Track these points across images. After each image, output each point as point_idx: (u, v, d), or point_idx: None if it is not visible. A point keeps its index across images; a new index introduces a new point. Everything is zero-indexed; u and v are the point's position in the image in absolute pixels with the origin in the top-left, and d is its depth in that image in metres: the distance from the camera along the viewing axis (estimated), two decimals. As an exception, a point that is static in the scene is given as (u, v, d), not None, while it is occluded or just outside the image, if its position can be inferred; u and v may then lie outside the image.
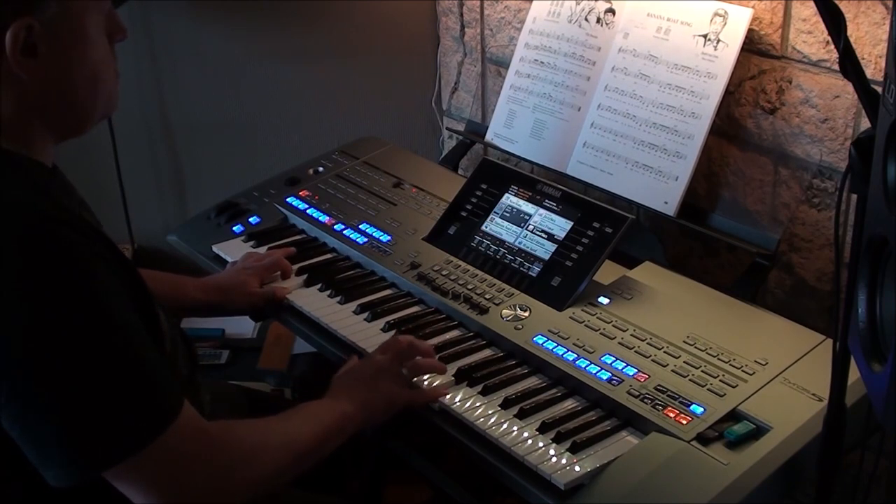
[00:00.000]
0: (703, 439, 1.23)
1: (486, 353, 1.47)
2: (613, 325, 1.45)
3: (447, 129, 2.44)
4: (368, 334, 1.52)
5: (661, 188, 1.68)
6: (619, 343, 1.42)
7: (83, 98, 1.15)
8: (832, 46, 1.31)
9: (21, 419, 1.02)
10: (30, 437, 1.03)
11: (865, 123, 1.27)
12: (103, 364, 1.03)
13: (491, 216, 1.68)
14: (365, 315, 1.57)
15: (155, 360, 1.08)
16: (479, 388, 1.37)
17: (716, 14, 1.65)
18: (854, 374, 1.10)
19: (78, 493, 1.07)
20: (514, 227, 1.64)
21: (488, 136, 1.99)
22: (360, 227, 1.80)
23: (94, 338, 1.03)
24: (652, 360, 1.37)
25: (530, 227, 1.63)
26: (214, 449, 1.11)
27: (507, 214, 1.67)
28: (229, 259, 1.76)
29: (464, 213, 1.72)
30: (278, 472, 1.18)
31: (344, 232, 1.79)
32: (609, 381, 1.35)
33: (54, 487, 1.04)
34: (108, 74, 1.17)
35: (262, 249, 1.78)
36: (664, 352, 1.39)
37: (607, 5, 1.81)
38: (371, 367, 1.37)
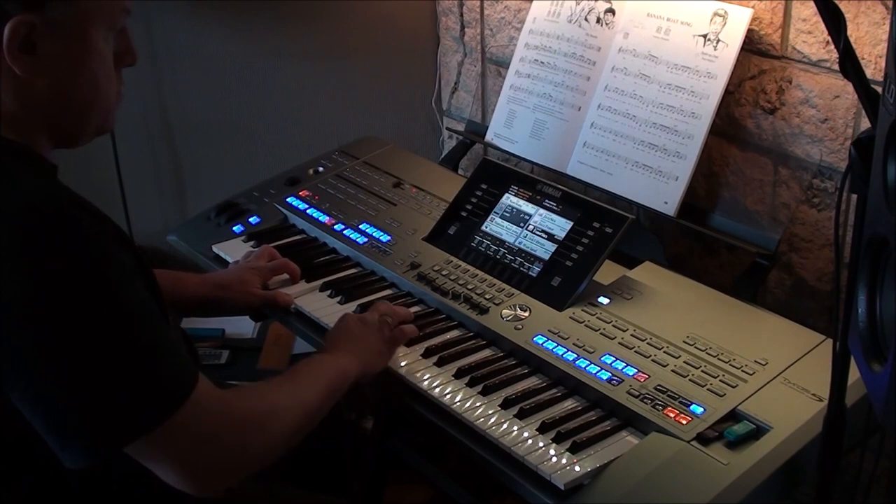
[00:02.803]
0: (703, 439, 1.23)
1: (486, 353, 1.47)
2: (613, 325, 1.45)
3: (447, 129, 2.44)
4: (368, 334, 1.52)
5: (661, 188, 1.68)
6: (619, 343, 1.42)
7: (78, 106, 1.14)
8: (832, 46, 1.31)
9: (38, 398, 1.03)
10: (47, 417, 1.04)
11: (865, 123, 1.27)
12: (119, 341, 1.04)
13: (491, 216, 1.68)
14: (365, 315, 1.57)
15: (169, 336, 1.09)
16: (479, 388, 1.37)
17: (716, 14, 1.65)
18: (854, 374, 1.10)
19: (85, 486, 1.08)
20: (514, 227, 1.64)
21: (488, 136, 1.99)
22: (360, 227, 1.80)
23: (108, 314, 1.03)
24: (652, 360, 1.37)
25: (530, 227, 1.63)
26: (234, 414, 1.13)
27: (507, 214, 1.67)
28: (229, 259, 1.76)
29: (464, 213, 1.72)
30: (293, 432, 1.21)
31: (344, 232, 1.79)
32: (609, 381, 1.35)
33: (62, 481, 1.05)
34: (108, 91, 1.17)
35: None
36: (664, 352, 1.39)
37: (607, 5, 1.81)
38: (357, 322, 1.44)
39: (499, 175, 1.73)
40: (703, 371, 1.34)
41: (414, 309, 1.58)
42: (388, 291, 1.64)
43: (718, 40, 1.64)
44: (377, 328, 1.43)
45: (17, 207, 1.03)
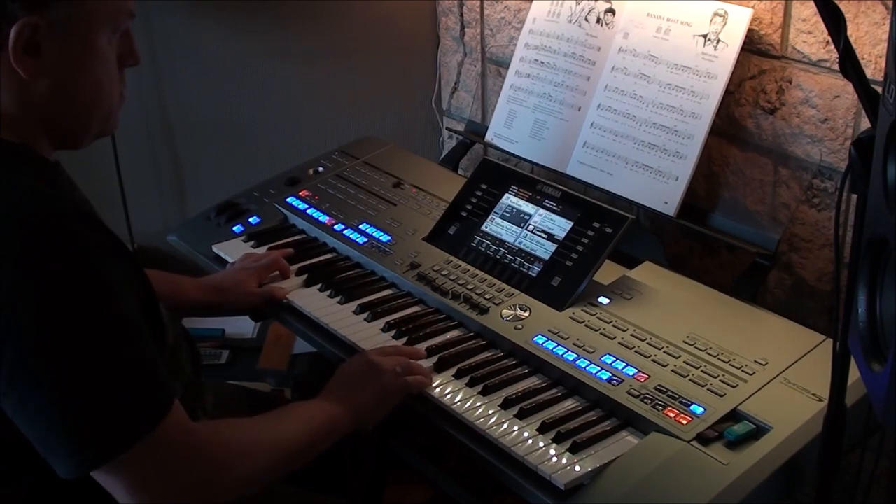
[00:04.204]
0: (703, 439, 1.23)
1: (486, 353, 1.47)
2: (613, 325, 1.45)
3: (447, 129, 2.44)
4: (368, 334, 1.52)
5: (661, 188, 1.68)
6: (619, 343, 1.42)
7: (80, 107, 1.14)
8: (832, 46, 1.31)
9: (20, 410, 1.03)
10: (30, 429, 1.04)
11: (865, 123, 1.27)
12: (99, 358, 1.03)
13: (491, 216, 1.68)
14: (365, 315, 1.57)
15: (150, 356, 1.08)
16: (480, 388, 1.37)
17: (716, 14, 1.65)
18: (854, 374, 1.10)
19: (85, 487, 1.08)
20: (514, 227, 1.64)
21: (488, 136, 1.99)
22: (360, 227, 1.80)
23: (92, 331, 1.03)
24: (652, 360, 1.37)
25: (530, 227, 1.63)
26: (201, 449, 1.12)
27: (507, 214, 1.67)
28: (229, 259, 1.76)
29: (464, 213, 1.72)
30: (265, 473, 1.19)
31: (344, 232, 1.79)
32: (609, 381, 1.35)
33: (62, 481, 1.05)
34: (111, 92, 1.17)
35: (262, 249, 1.78)
36: (664, 352, 1.39)
37: (607, 5, 1.81)
38: (364, 365, 1.38)
39: (499, 175, 1.73)
40: (703, 371, 1.34)
41: (414, 309, 1.59)
42: (388, 291, 1.64)
43: (718, 40, 1.64)
44: (384, 376, 1.36)
45: (9, 213, 1.03)
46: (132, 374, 1.05)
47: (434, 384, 1.39)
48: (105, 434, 1.03)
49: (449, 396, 1.36)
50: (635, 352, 1.40)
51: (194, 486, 1.10)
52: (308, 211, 1.88)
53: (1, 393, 1.02)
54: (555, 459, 1.23)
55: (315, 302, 1.62)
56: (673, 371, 1.35)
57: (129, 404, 1.04)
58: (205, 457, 1.12)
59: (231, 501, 1.14)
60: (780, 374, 1.33)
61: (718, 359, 1.36)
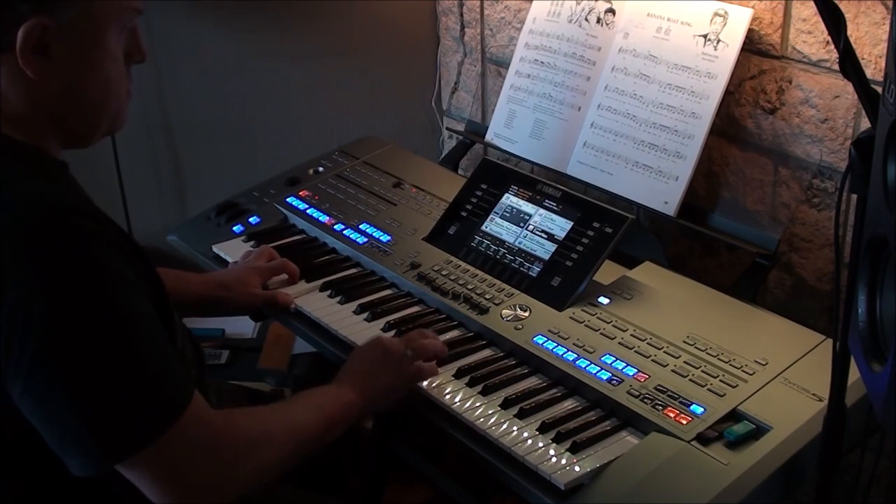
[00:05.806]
0: (703, 439, 1.23)
1: (486, 353, 1.47)
2: (613, 325, 1.45)
3: (447, 129, 2.44)
4: (368, 334, 1.51)
5: (661, 188, 1.68)
6: (619, 343, 1.42)
7: (91, 107, 1.14)
8: (832, 46, 1.31)
9: (37, 409, 1.03)
10: (46, 427, 1.04)
11: (865, 123, 1.27)
12: (116, 355, 1.03)
13: (491, 216, 1.68)
14: (365, 315, 1.57)
15: (167, 351, 1.09)
16: (479, 388, 1.37)
17: (716, 14, 1.65)
18: (854, 374, 1.10)
19: (86, 486, 1.08)
20: (514, 227, 1.64)
21: (488, 136, 1.99)
22: (360, 227, 1.80)
23: (108, 328, 1.03)
24: (652, 360, 1.37)
25: (530, 227, 1.63)
26: (220, 439, 1.12)
27: (507, 214, 1.67)
28: (229, 259, 1.76)
29: (464, 213, 1.72)
30: (281, 461, 1.20)
31: (344, 232, 1.79)
32: (609, 381, 1.35)
33: (63, 481, 1.05)
34: (120, 91, 1.17)
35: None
36: (664, 352, 1.39)
37: (607, 5, 1.81)
38: (378, 350, 1.38)
39: (499, 175, 1.73)
40: (703, 371, 1.34)
41: (414, 309, 1.59)
42: (388, 291, 1.64)
43: (719, 40, 1.64)
44: (398, 362, 1.37)
45: (19, 212, 1.03)
46: (145, 371, 1.05)
47: (434, 384, 1.39)
48: (117, 433, 1.03)
49: (449, 396, 1.36)
50: (635, 352, 1.40)
51: (214, 476, 1.11)
52: (308, 211, 1.88)
53: (18, 393, 1.02)
54: (555, 459, 1.23)
55: (315, 302, 1.62)
56: (673, 371, 1.35)
57: (139, 404, 1.04)
58: (224, 446, 1.12)
59: (233, 500, 1.14)
60: (780, 374, 1.33)
61: (718, 359, 1.36)
